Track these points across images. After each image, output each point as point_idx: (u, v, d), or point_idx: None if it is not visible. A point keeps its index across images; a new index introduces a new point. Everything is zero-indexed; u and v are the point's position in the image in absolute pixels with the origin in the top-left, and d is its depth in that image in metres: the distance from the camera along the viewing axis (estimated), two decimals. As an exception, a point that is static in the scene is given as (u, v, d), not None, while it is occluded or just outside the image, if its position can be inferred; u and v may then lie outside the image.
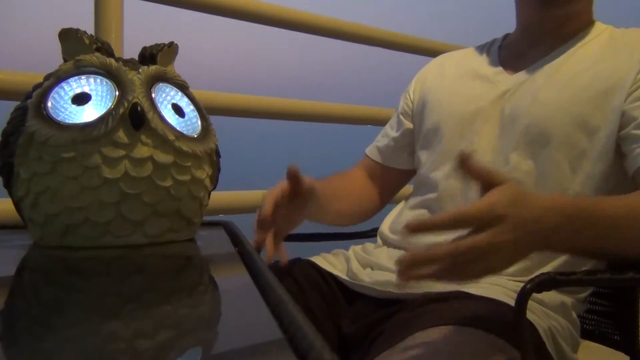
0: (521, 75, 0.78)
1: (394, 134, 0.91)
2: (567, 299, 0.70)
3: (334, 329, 0.73)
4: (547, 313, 0.66)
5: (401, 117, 0.91)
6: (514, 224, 0.51)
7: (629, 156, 0.68)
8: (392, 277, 0.70)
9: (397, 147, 0.91)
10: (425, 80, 0.91)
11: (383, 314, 0.68)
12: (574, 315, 0.70)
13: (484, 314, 0.61)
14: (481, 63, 0.85)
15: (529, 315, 0.61)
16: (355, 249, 0.82)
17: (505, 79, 0.79)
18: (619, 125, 0.69)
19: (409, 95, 0.92)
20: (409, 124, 0.90)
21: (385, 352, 0.58)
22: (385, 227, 0.84)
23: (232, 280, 0.50)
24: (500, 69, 0.82)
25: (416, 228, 0.51)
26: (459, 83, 0.85)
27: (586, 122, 0.71)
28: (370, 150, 0.93)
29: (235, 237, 0.62)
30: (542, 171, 0.72)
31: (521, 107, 0.75)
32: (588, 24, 0.79)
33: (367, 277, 0.74)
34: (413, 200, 0.83)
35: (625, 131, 0.68)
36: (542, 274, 0.59)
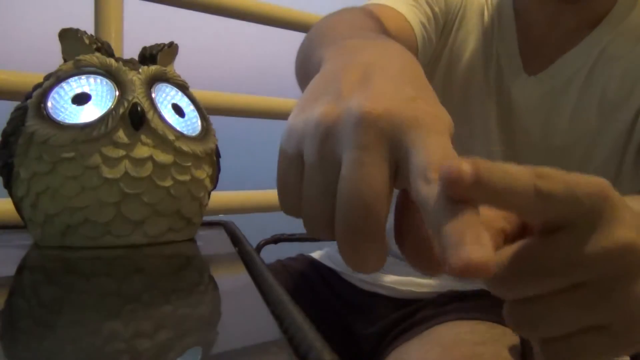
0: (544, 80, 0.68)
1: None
2: None
3: (340, 329, 0.73)
4: None
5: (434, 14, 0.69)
6: (633, 217, 0.28)
7: None
8: (413, 275, 0.69)
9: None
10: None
11: (405, 313, 0.68)
12: None
13: (496, 305, 0.61)
14: (498, 56, 0.71)
15: None
16: None
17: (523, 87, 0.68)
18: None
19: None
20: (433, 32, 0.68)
21: (411, 340, 0.58)
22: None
23: (232, 280, 0.50)
24: (520, 62, 0.69)
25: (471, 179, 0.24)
26: (468, 91, 0.71)
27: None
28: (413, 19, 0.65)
29: (235, 237, 0.63)
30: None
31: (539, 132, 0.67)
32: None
33: (386, 277, 0.73)
34: None
35: None
36: None
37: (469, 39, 0.71)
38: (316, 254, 0.85)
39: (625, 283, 0.28)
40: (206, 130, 0.61)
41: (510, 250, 0.28)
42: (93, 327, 0.33)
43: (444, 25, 0.69)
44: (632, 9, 0.66)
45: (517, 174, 0.25)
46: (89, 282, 0.46)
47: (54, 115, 0.54)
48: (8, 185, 0.56)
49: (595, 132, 0.66)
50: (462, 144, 0.71)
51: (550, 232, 0.27)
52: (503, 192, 0.24)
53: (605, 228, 0.27)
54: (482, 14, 0.71)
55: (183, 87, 0.61)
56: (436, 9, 0.67)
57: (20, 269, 0.50)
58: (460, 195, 0.23)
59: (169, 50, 0.62)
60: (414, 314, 0.65)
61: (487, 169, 0.24)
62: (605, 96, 0.66)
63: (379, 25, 0.51)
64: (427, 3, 0.66)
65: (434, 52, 0.70)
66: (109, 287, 0.44)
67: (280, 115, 1.49)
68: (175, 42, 0.63)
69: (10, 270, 0.49)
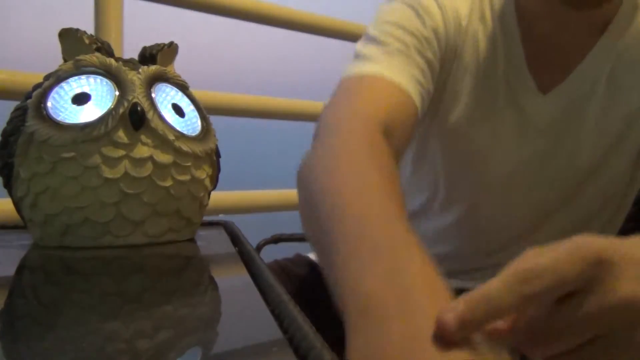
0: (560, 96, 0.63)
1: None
2: None
3: (341, 330, 0.73)
4: None
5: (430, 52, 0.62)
6: (633, 267, 0.30)
7: None
8: None
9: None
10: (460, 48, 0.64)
11: None
12: None
13: None
14: (505, 69, 0.64)
15: None
16: None
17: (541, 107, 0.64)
18: None
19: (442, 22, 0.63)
20: (435, 67, 0.63)
21: None
22: None
23: (232, 280, 0.50)
24: (531, 81, 0.64)
25: (463, 326, 0.27)
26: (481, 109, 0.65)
27: None
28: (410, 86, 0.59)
29: (235, 237, 0.62)
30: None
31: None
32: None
33: None
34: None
35: None
36: None
37: (469, 69, 0.65)
38: (314, 255, 0.85)
39: (636, 332, 0.30)
40: (206, 130, 0.61)
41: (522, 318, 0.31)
42: (93, 327, 0.33)
43: (441, 68, 0.64)
44: (635, 13, 0.64)
45: (500, 296, 0.28)
46: (89, 282, 0.46)
47: (54, 115, 0.54)
48: (8, 185, 0.56)
49: (618, 142, 0.65)
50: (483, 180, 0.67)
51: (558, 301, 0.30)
52: (492, 317, 0.28)
53: (606, 288, 0.29)
54: (477, 42, 0.65)
55: (183, 87, 0.61)
56: (429, 55, 0.61)
57: (20, 269, 0.50)
58: (454, 338, 0.26)
59: (169, 50, 0.62)
60: None
61: (469, 308, 0.27)
62: (630, 103, 0.63)
63: (392, 187, 0.42)
64: (419, 52, 0.60)
65: (434, 96, 0.65)
66: (109, 287, 0.44)
67: (280, 115, 1.49)
68: (175, 42, 0.63)
69: (10, 270, 0.49)
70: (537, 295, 0.28)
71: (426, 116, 0.65)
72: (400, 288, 0.29)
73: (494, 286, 0.28)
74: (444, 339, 0.26)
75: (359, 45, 0.63)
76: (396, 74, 0.58)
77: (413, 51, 0.60)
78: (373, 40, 0.61)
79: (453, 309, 0.27)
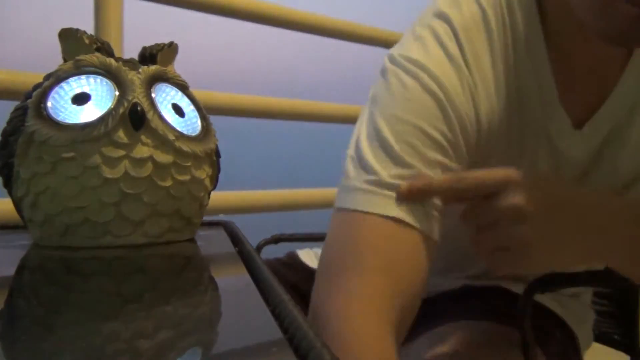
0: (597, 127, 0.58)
1: None
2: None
3: None
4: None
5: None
6: (546, 196, 0.49)
7: None
8: None
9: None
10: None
11: None
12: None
13: (499, 305, 0.62)
14: (530, 92, 0.57)
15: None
16: None
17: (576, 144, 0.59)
18: None
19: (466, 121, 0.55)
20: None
21: (418, 338, 0.58)
22: None
23: (232, 280, 0.50)
24: (563, 114, 0.58)
25: (422, 189, 0.49)
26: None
27: None
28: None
29: (235, 237, 0.62)
30: None
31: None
32: None
33: None
34: None
35: None
36: (549, 274, 0.59)
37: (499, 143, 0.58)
38: (307, 257, 0.85)
39: (515, 226, 0.49)
40: (206, 130, 0.61)
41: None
42: (93, 327, 0.33)
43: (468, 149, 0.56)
44: None
45: (440, 184, 0.51)
46: (89, 282, 0.46)
47: (54, 115, 0.54)
48: (8, 185, 0.56)
49: None
50: None
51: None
52: (430, 194, 0.51)
53: (508, 194, 0.48)
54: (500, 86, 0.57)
55: (183, 87, 0.61)
56: (458, 162, 0.54)
57: (20, 269, 0.50)
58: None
59: (169, 50, 0.62)
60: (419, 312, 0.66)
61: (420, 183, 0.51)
62: None
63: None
64: (446, 168, 0.53)
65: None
66: (109, 287, 0.44)
67: (280, 115, 1.49)
68: (175, 42, 0.63)
69: (10, 270, 0.49)
70: (464, 190, 0.51)
71: None
72: None
73: (441, 178, 0.52)
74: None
75: (365, 143, 0.53)
76: (420, 219, 0.51)
77: (439, 172, 0.52)
78: (386, 148, 0.52)
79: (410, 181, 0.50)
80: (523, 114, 0.58)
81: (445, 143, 0.52)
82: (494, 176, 0.50)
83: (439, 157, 0.52)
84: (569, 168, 0.61)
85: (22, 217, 0.57)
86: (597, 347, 0.80)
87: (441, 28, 0.55)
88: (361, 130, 0.55)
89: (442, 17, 0.55)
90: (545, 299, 0.67)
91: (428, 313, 0.64)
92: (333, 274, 0.51)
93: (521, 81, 0.57)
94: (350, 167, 0.54)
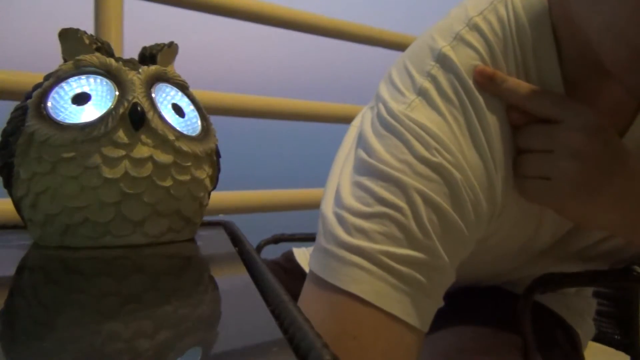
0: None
1: None
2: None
3: None
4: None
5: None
6: (607, 147, 0.47)
7: None
8: None
9: None
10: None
11: None
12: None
13: (499, 307, 0.61)
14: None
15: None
16: None
17: None
18: None
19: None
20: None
21: None
22: None
23: (232, 280, 0.50)
24: None
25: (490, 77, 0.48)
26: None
27: None
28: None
29: (235, 237, 0.62)
30: None
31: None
32: None
33: None
34: None
35: None
36: (548, 273, 0.59)
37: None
38: (303, 258, 0.84)
39: (560, 159, 0.49)
40: (206, 130, 0.61)
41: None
42: (93, 327, 0.33)
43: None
44: None
45: (516, 89, 0.50)
46: (89, 282, 0.46)
47: (54, 115, 0.54)
48: (8, 185, 0.56)
49: None
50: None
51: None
52: (500, 91, 0.50)
53: (571, 129, 0.49)
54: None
55: (183, 87, 0.61)
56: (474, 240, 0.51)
57: (20, 269, 0.50)
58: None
59: (169, 50, 0.62)
60: None
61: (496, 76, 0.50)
62: None
63: None
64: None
65: None
66: (109, 287, 0.44)
67: (281, 115, 1.49)
68: (175, 42, 0.63)
69: (10, 270, 0.49)
70: (530, 108, 0.50)
71: None
72: None
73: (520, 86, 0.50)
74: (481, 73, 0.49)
75: (365, 214, 0.47)
76: (421, 314, 0.46)
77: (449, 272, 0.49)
78: (389, 217, 0.46)
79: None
80: None
81: (460, 225, 0.48)
82: (568, 104, 0.49)
83: (456, 235, 0.48)
84: None
85: (22, 217, 0.57)
86: (597, 347, 0.80)
87: (446, 80, 0.50)
88: (344, 184, 0.50)
89: (446, 65, 0.51)
90: (545, 296, 0.67)
91: None
92: None
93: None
94: (334, 224, 0.47)
